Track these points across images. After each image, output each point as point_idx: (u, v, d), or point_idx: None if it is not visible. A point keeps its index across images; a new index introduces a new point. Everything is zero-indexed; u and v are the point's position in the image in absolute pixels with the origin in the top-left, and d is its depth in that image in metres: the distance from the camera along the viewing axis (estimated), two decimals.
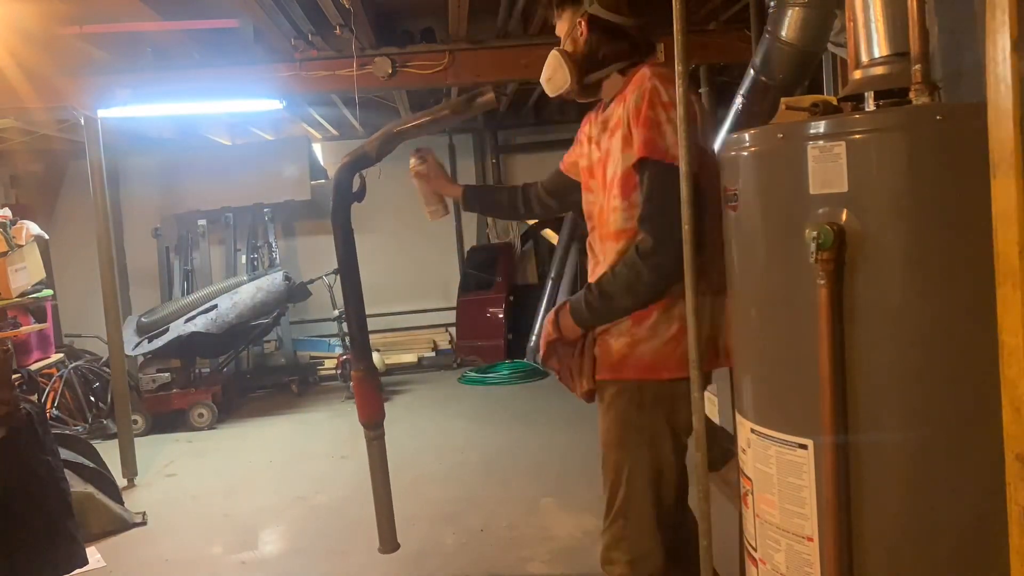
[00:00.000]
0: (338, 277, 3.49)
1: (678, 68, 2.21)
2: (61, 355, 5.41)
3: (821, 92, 3.68)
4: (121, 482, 4.45)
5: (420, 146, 2.55)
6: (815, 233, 1.60)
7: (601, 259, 2.02)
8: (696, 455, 2.27)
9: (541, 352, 2.10)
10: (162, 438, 5.80)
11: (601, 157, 2.01)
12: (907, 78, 1.67)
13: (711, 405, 2.51)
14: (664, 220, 1.84)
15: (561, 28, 2.03)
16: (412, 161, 2.56)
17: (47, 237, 5.06)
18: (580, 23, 1.94)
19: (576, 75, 1.99)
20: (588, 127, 2.13)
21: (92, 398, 5.93)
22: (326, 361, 7.47)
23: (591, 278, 2.05)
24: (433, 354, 7.90)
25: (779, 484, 1.77)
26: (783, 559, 1.77)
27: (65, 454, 3.60)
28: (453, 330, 7.92)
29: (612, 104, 1.98)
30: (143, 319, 6.30)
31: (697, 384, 2.23)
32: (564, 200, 2.34)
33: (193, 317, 6.13)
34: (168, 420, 6.00)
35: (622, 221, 1.95)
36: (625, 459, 2.03)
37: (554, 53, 2.00)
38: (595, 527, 3.54)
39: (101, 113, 4.82)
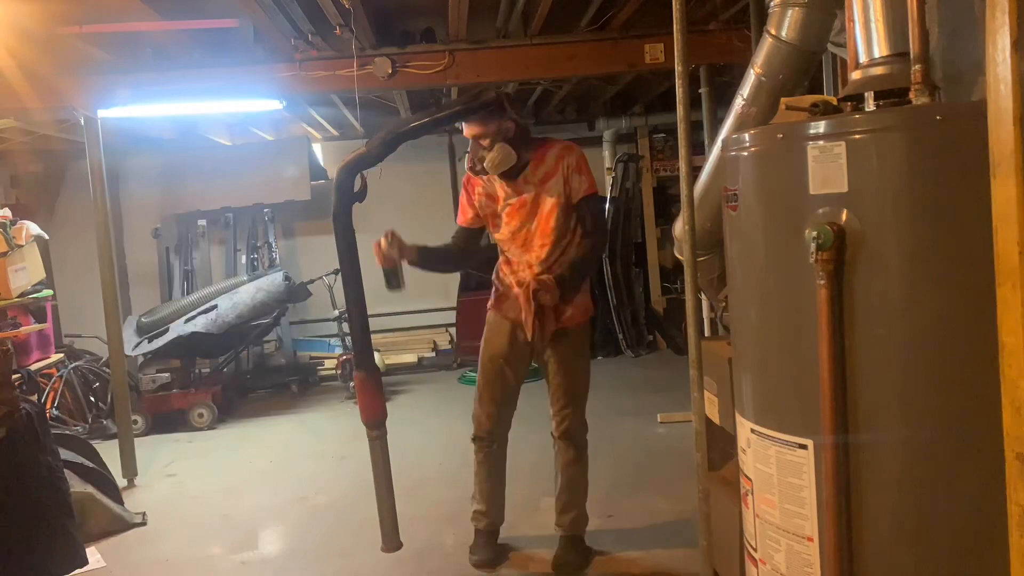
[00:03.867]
0: (338, 277, 3.51)
1: (678, 68, 2.21)
2: (61, 355, 5.41)
3: (821, 92, 3.68)
4: (121, 482, 4.44)
5: (387, 231, 3.11)
6: (815, 233, 1.60)
7: (535, 256, 3.09)
8: (696, 455, 2.27)
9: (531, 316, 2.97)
10: (162, 438, 5.79)
11: (526, 201, 3.07)
12: (907, 78, 1.67)
13: (711, 405, 2.52)
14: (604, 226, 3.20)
15: (489, 131, 2.98)
16: (382, 242, 3.06)
17: (47, 237, 5.05)
18: (510, 125, 2.99)
19: (517, 154, 3.01)
20: (492, 189, 3.17)
21: (92, 398, 5.93)
22: (326, 361, 7.46)
23: (526, 269, 3.13)
24: (433, 354, 7.89)
25: (779, 484, 1.77)
26: (783, 559, 1.77)
27: (65, 454, 3.60)
28: (453, 330, 7.92)
29: (529, 167, 3.05)
30: (143, 319, 6.29)
31: (697, 384, 2.23)
32: (476, 243, 3.46)
33: (193, 317, 6.12)
34: (168, 420, 5.99)
35: (561, 232, 3.05)
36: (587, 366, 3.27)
37: (502, 145, 2.97)
38: (595, 527, 3.55)
39: (101, 113, 4.81)
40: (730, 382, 2.23)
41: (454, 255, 3.43)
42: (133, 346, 6.03)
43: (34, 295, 4.64)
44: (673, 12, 2.17)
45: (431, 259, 3.33)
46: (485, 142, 3.00)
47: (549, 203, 3.02)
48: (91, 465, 4.05)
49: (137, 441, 4.94)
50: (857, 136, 1.61)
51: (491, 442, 3.32)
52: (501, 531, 3.44)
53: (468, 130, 3.06)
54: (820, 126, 1.66)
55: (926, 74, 1.64)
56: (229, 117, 6.93)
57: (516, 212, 3.11)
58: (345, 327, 6.76)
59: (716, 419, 2.52)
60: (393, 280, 3.09)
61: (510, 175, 3.06)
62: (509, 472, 3.43)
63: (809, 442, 1.70)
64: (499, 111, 2.97)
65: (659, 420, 5.15)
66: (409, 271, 3.15)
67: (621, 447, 4.74)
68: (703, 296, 3.47)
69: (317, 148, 8.02)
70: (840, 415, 1.62)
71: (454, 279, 7.98)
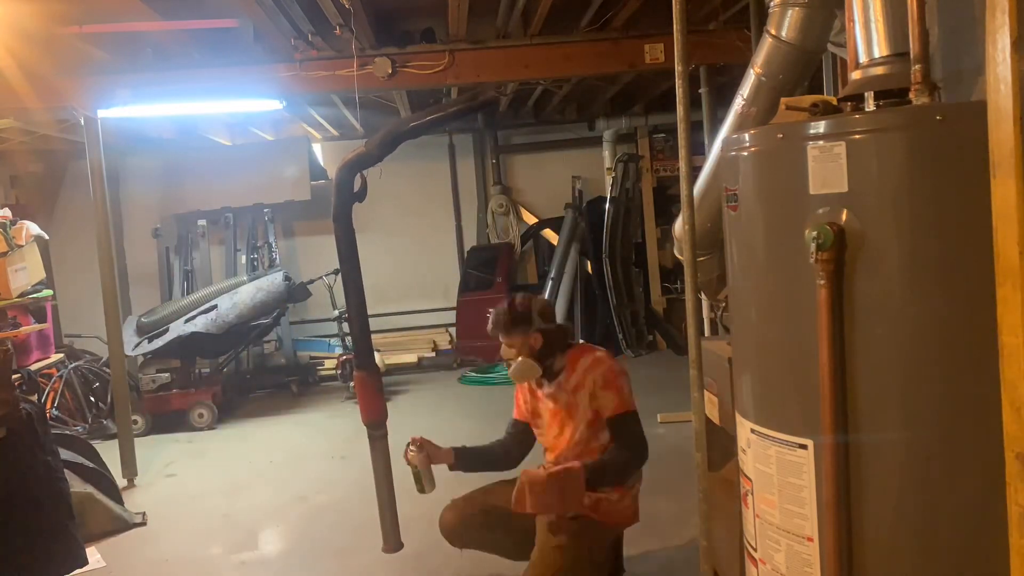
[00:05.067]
0: (338, 277, 3.50)
1: (678, 68, 2.21)
2: (61, 355, 5.41)
3: (821, 92, 3.68)
4: (121, 482, 4.45)
5: (412, 437, 2.97)
6: (815, 233, 1.60)
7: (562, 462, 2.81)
8: (696, 455, 2.27)
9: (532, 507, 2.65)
10: (162, 438, 5.80)
11: (559, 409, 2.88)
12: (907, 78, 1.67)
13: (711, 405, 2.52)
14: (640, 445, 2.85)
15: (514, 343, 2.86)
16: (408, 452, 2.95)
17: (47, 237, 5.05)
18: (535, 337, 2.83)
19: (541, 367, 2.85)
20: (532, 394, 3.00)
21: (92, 398, 5.93)
22: (326, 361, 7.47)
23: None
24: (433, 354, 7.90)
25: (779, 484, 1.77)
26: (783, 559, 1.77)
27: (65, 454, 3.60)
28: (453, 330, 7.92)
29: (563, 374, 2.87)
30: (143, 319, 6.29)
31: (697, 384, 2.23)
32: (527, 440, 3.11)
33: (193, 317, 6.13)
34: (168, 420, 5.99)
35: (585, 443, 2.83)
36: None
37: (525, 359, 2.84)
38: None
39: (101, 113, 4.82)
40: (730, 382, 2.23)
41: (499, 456, 3.12)
42: (133, 346, 6.03)
43: (34, 295, 4.64)
44: (673, 12, 2.17)
45: (471, 461, 3.10)
46: (512, 351, 2.87)
47: (576, 416, 2.85)
48: (91, 465, 4.06)
49: (137, 441, 4.94)
50: (857, 136, 1.61)
51: None
52: None
53: (500, 338, 2.91)
54: (820, 126, 1.66)
55: (926, 74, 1.64)
56: (229, 117, 6.93)
57: (554, 419, 2.94)
58: (345, 327, 6.76)
59: (716, 419, 2.52)
60: (420, 483, 2.96)
61: (543, 382, 2.92)
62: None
63: (809, 442, 1.70)
64: (525, 323, 2.84)
65: (659, 420, 5.15)
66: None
67: None
68: (703, 296, 3.47)
69: (317, 148, 8.02)
70: (840, 415, 1.62)
71: (453, 279, 7.99)
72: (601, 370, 2.80)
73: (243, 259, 7.56)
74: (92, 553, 3.44)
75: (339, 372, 6.86)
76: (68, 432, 4.99)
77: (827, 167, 1.62)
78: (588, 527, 2.77)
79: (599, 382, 2.79)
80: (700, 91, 5.27)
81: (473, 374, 7.01)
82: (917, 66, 1.64)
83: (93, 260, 4.86)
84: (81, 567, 3.02)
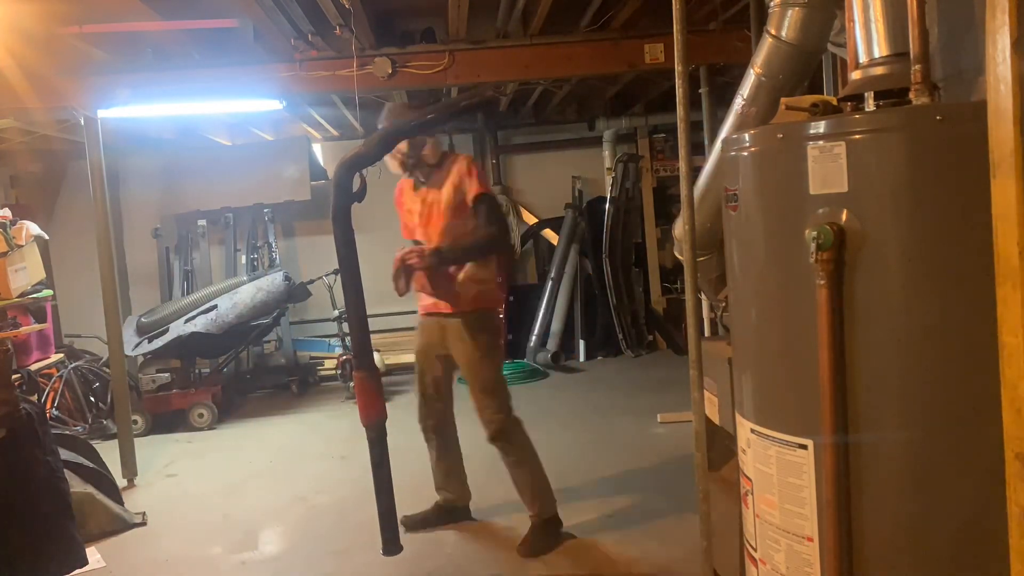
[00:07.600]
0: (338, 277, 3.53)
1: (678, 68, 2.21)
2: (61, 355, 5.41)
3: (821, 92, 3.68)
4: (121, 482, 4.44)
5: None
6: (815, 233, 1.60)
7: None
8: (696, 455, 2.27)
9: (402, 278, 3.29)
10: (162, 438, 5.80)
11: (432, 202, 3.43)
12: (907, 78, 1.67)
13: (711, 405, 2.52)
14: (501, 223, 3.38)
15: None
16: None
17: (47, 237, 5.05)
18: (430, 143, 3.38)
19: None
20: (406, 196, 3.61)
21: (92, 398, 5.93)
22: (326, 361, 7.46)
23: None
24: None
25: (779, 484, 1.77)
26: (783, 559, 1.77)
27: (65, 454, 3.60)
28: None
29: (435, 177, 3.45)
30: (143, 319, 6.29)
31: (697, 384, 2.23)
32: None
33: (193, 317, 6.12)
34: (168, 420, 5.99)
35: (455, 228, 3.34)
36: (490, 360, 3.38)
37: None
38: (595, 527, 3.55)
39: (101, 113, 4.81)
40: (730, 382, 2.23)
41: None
42: (133, 346, 6.03)
43: (34, 295, 4.64)
44: (673, 12, 2.17)
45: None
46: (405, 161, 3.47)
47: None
48: (91, 465, 4.05)
49: (137, 441, 4.94)
50: (857, 136, 1.61)
51: (426, 434, 3.66)
52: (501, 530, 3.45)
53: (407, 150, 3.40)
54: (820, 126, 1.66)
55: (926, 74, 1.64)
56: (229, 117, 6.93)
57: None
58: (345, 327, 6.76)
59: (716, 419, 2.52)
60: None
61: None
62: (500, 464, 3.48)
63: (809, 442, 1.70)
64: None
65: (659, 420, 5.14)
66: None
67: (621, 447, 4.74)
68: (703, 296, 3.47)
69: (317, 148, 8.02)
70: (840, 415, 1.62)
71: None
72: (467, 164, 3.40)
73: (243, 259, 7.55)
74: (92, 553, 3.44)
75: (339, 372, 6.86)
76: (68, 432, 4.99)
77: (827, 167, 1.62)
78: (480, 320, 3.36)
79: (464, 173, 3.35)
80: (700, 91, 5.27)
81: None
82: (917, 66, 1.64)
83: (93, 260, 4.85)
84: (81, 567, 3.02)
